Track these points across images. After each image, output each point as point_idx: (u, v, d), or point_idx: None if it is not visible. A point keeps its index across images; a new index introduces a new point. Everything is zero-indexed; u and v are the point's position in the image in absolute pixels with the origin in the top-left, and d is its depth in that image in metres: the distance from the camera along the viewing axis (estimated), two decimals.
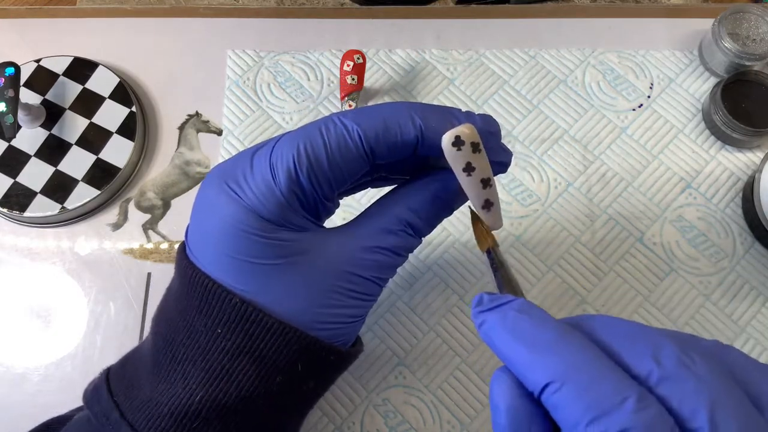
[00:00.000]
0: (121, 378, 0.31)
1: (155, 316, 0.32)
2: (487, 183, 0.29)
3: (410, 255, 0.44)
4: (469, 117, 0.31)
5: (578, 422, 0.21)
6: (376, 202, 0.33)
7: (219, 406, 0.29)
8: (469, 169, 0.29)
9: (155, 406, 0.29)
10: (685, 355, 0.22)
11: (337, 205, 0.32)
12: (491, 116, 0.32)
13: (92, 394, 0.31)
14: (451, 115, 0.30)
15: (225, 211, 0.29)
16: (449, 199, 0.32)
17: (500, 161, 0.32)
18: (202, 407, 0.29)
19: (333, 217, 0.34)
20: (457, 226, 0.46)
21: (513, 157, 0.33)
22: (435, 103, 0.49)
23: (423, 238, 0.33)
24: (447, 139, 0.28)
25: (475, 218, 0.32)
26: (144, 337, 0.37)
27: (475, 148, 0.28)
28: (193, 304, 0.29)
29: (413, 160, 0.32)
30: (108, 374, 0.32)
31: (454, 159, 0.29)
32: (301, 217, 0.29)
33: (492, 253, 0.30)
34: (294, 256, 0.29)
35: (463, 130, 0.28)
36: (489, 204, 0.30)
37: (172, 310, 0.31)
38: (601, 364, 0.22)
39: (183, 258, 0.31)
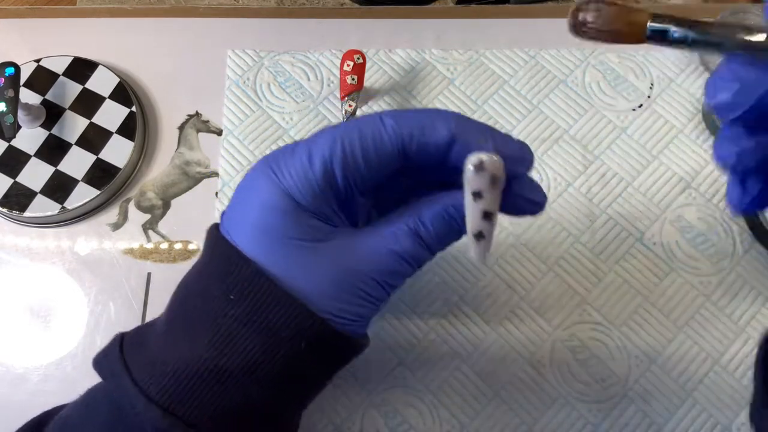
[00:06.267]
0: (134, 339, 0.32)
1: (178, 285, 0.34)
2: (489, 216, 0.29)
3: None
4: (506, 141, 0.30)
5: None
6: (398, 209, 0.33)
7: (220, 371, 0.30)
8: (477, 195, 0.29)
9: (160, 365, 0.30)
10: None
11: (371, 205, 0.34)
12: (528, 146, 0.31)
13: (102, 354, 0.32)
14: (489, 134, 0.30)
15: (263, 190, 0.30)
16: (459, 218, 0.31)
17: (531, 199, 0.31)
18: (204, 370, 0.30)
19: None
20: None
21: None
22: (435, 103, 0.49)
23: (434, 254, 0.32)
24: (471, 160, 0.28)
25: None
26: None
27: (493, 180, 0.28)
28: (214, 271, 0.31)
29: (446, 173, 0.31)
30: (122, 337, 0.33)
31: (469, 180, 0.29)
32: (330, 208, 0.31)
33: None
34: (315, 242, 0.30)
35: (492, 158, 0.28)
36: (481, 236, 0.30)
37: (193, 276, 0.33)
38: None
39: (214, 230, 0.32)
